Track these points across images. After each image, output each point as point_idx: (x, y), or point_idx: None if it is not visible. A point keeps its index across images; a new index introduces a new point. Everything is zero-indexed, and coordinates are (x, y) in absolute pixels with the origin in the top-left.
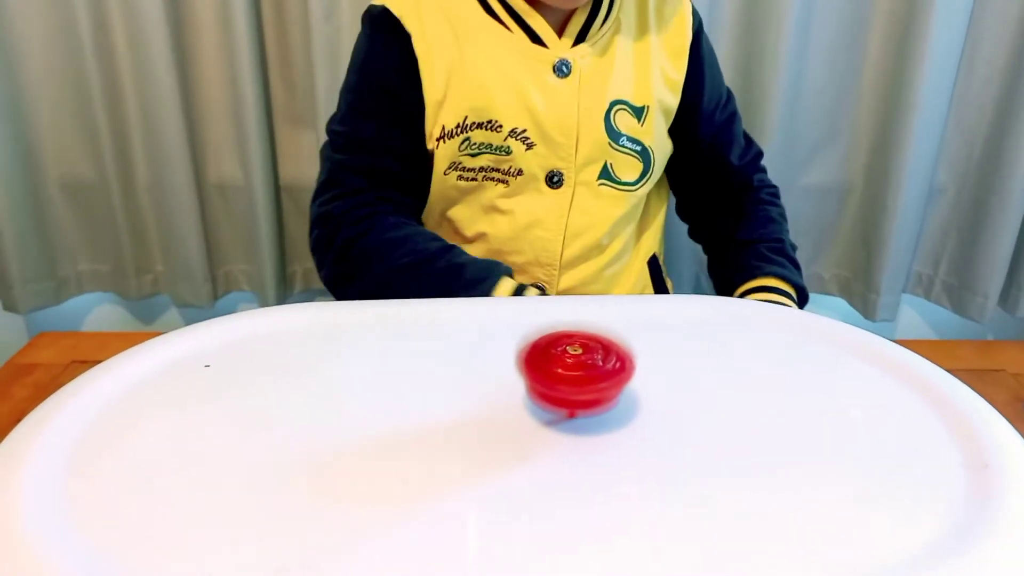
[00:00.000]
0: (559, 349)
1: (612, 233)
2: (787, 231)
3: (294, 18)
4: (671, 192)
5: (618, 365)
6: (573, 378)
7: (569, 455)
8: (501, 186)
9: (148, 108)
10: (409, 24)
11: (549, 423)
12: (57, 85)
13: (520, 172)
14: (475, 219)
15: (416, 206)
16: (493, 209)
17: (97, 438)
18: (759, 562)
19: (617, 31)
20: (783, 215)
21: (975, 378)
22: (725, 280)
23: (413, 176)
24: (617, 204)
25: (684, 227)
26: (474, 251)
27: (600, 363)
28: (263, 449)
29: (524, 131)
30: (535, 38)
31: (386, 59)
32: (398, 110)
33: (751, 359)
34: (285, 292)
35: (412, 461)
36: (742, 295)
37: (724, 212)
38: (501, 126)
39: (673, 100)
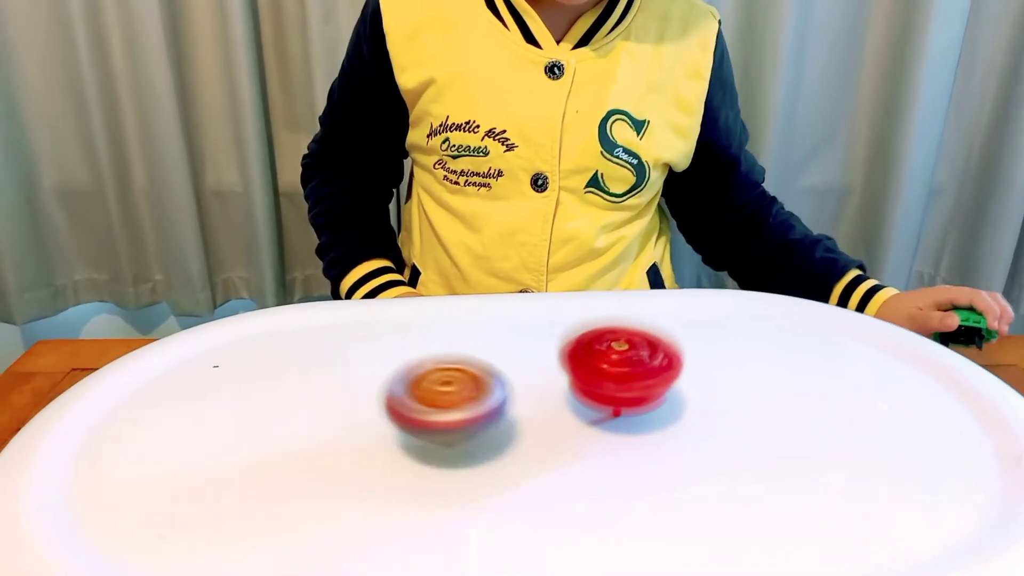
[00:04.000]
0: (604, 345)
1: (605, 240)
2: None
3: (292, 20)
4: (672, 217)
5: (665, 362)
6: (618, 375)
7: (613, 455)
8: (484, 190)
9: (145, 113)
10: (389, 23)
11: (593, 422)
12: (53, 90)
13: (500, 173)
14: (455, 226)
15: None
16: (476, 215)
17: (103, 441)
18: (801, 555)
19: (627, 39)
20: None
21: None
22: (809, 280)
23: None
24: (606, 212)
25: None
26: (459, 258)
27: (647, 360)
28: (281, 450)
29: (503, 132)
30: (531, 38)
31: (366, 47)
32: (370, 96)
33: (790, 355)
34: (285, 299)
35: (447, 459)
36: (845, 288)
37: (751, 226)
38: (479, 126)
39: (685, 120)
